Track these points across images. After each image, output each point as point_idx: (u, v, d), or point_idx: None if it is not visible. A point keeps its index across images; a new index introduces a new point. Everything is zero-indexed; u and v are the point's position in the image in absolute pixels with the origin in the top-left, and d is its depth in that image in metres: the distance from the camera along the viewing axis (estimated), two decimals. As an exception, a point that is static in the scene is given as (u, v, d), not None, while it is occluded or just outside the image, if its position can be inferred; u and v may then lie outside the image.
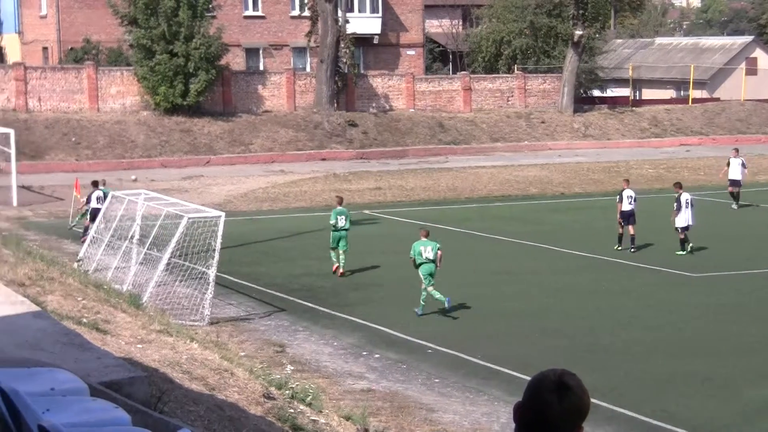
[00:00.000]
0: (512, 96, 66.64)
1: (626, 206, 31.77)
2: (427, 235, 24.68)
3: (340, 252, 28.27)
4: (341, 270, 28.29)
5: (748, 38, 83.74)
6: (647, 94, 78.10)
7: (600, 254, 31.12)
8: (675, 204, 31.38)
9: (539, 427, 4.05)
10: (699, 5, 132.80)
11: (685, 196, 31.22)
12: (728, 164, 40.87)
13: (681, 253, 30.94)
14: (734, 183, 40.35)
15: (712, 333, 22.53)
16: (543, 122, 64.57)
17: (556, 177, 49.12)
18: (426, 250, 24.10)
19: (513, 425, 4.13)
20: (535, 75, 68.59)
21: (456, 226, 36.31)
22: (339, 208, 28.85)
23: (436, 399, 18.26)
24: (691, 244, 31.17)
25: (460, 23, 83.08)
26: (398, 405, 17.76)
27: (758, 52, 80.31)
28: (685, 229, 31.09)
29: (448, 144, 60.53)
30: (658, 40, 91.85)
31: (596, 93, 75.04)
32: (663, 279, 27.99)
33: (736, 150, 42.51)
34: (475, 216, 38.76)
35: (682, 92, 76.56)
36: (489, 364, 20.11)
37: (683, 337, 22.14)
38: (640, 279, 28.05)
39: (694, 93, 73.44)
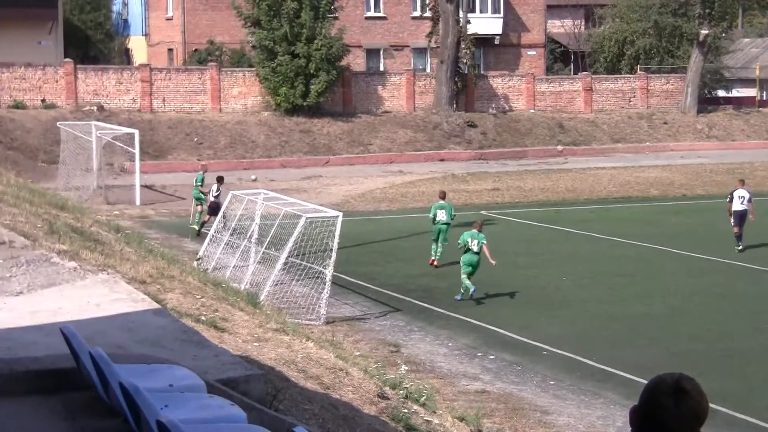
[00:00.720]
0: (634, 96, 65.86)
1: (737, 206, 31.48)
2: (480, 228, 25.81)
3: (439, 244, 29.19)
4: (436, 262, 29.13)
5: None
6: (775, 94, 76.40)
7: (723, 257, 30.61)
8: None
9: (655, 431, 4.05)
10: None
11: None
12: None
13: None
14: None
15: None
16: (665, 123, 63.68)
17: (678, 178, 48.42)
18: (473, 242, 25.26)
19: (629, 429, 4.13)
20: (658, 75, 67.70)
21: (574, 227, 36.05)
22: (441, 202, 29.83)
23: (551, 401, 18.14)
24: None
25: (583, 23, 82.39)
26: (512, 407, 17.70)
27: None
28: None
29: (567, 145, 60.06)
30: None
31: (721, 93, 73.70)
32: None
33: None
34: (594, 217, 38.43)
35: (810, 92, 74.71)
36: (605, 367, 19.92)
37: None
38: (766, 283, 27.53)
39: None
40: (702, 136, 63.47)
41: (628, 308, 24.87)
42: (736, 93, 75.07)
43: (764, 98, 73.81)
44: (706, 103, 67.88)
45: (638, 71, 68.12)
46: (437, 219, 29.31)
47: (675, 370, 4.11)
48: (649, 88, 66.43)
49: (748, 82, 75.25)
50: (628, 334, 22.58)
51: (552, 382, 19.20)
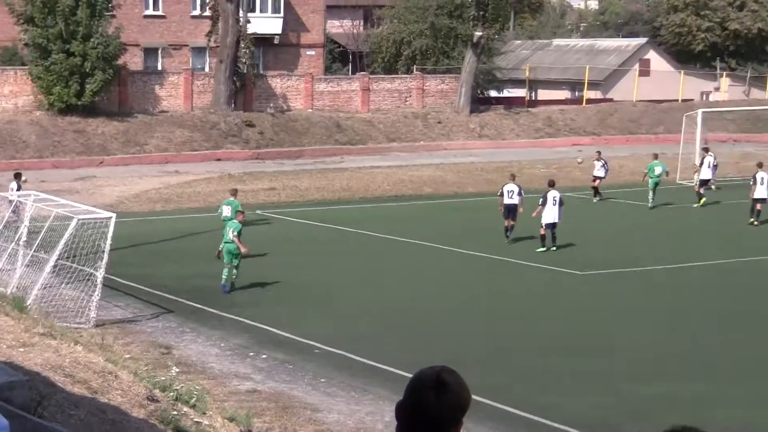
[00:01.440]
0: (410, 96, 67.06)
1: (507, 200, 32.81)
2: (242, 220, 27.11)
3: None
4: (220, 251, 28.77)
5: (642, 40, 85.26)
6: (543, 94, 79.10)
7: (491, 253, 31.54)
8: (541, 200, 32.07)
9: (419, 425, 4.12)
10: (596, 7, 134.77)
11: (552, 194, 31.86)
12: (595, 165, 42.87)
13: (541, 250, 31.52)
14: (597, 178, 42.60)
15: (608, 329, 22.97)
16: (439, 122, 65.07)
17: (450, 177, 49.59)
18: (229, 230, 26.48)
19: (396, 423, 4.19)
20: (433, 75, 69.07)
21: (349, 226, 36.53)
22: (230, 199, 30.71)
23: (321, 399, 18.42)
24: (553, 247, 31.72)
25: (361, 24, 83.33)
26: (283, 405, 17.89)
27: (651, 54, 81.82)
28: (551, 226, 31.68)
29: (344, 144, 60.73)
30: (556, 41, 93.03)
31: (493, 93, 75.75)
32: (554, 277, 28.46)
33: (599, 152, 44.49)
34: (369, 216, 39.00)
35: (576, 93, 77.71)
36: (375, 363, 20.29)
37: (583, 335, 22.54)
38: (533, 277, 28.52)
39: (589, 94, 74.61)
40: (474, 135, 65.15)
41: (399, 304, 25.35)
42: (507, 93, 77.31)
43: (533, 98, 76.38)
44: (479, 103, 69.65)
45: (414, 71, 69.39)
46: (223, 215, 30.08)
47: (444, 365, 4.19)
48: (424, 88, 67.69)
49: (518, 83, 77.63)
50: (398, 330, 23.03)
51: (323, 380, 19.47)
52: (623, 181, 47.73)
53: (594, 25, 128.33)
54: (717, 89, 79.89)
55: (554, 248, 31.69)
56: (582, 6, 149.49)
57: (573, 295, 26.54)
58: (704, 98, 77.30)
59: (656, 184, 40.77)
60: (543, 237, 31.92)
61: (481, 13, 66.53)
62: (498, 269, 29.69)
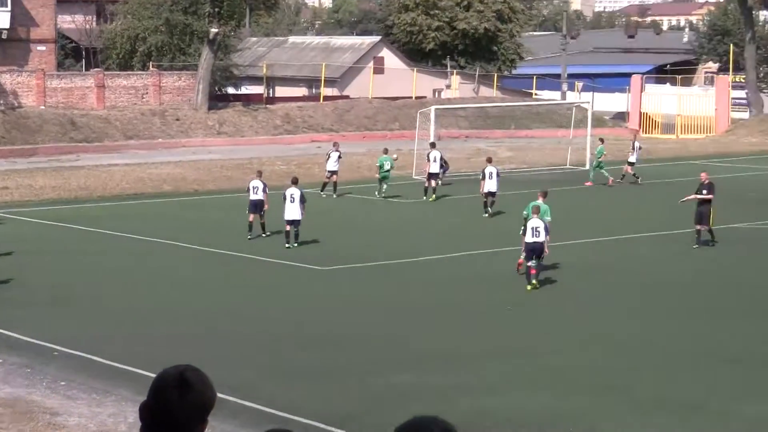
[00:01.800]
0: (147, 93, 66.07)
1: (252, 196, 33.27)
2: None
3: None
4: None
5: (376, 38, 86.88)
6: (281, 91, 79.47)
7: (234, 250, 31.52)
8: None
9: (163, 425, 4.08)
10: (330, 5, 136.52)
11: (290, 191, 31.97)
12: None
13: (289, 246, 31.67)
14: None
15: (351, 324, 23.30)
16: (178, 119, 64.43)
17: (190, 174, 49.20)
18: None
19: (141, 424, 4.14)
20: (170, 72, 68.26)
21: (88, 225, 35.76)
22: None
23: (62, 402, 17.97)
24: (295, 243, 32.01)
25: (94, 19, 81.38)
26: (20, 410, 17.35)
27: (385, 52, 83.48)
28: (293, 223, 31.86)
29: (80, 142, 59.26)
30: (291, 38, 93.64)
31: (231, 91, 75.55)
32: (298, 273, 28.68)
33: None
34: (108, 214, 38.26)
35: (314, 90, 78.50)
36: (117, 364, 19.95)
37: (326, 329, 22.76)
38: (276, 273, 28.65)
39: (325, 91, 75.48)
40: (213, 133, 64.85)
41: (142, 304, 25.08)
42: (245, 90, 77.27)
43: (271, 96, 76.64)
44: (217, 100, 69.33)
45: (151, 68, 68.41)
46: None
47: (188, 364, 4.16)
48: (161, 84, 66.82)
49: (256, 80, 77.72)
50: (142, 329, 22.77)
51: (63, 383, 19.00)
52: (360, 177, 48.56)
53: (328, 23, 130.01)
54: (448, 87, 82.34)
55: (296, 245, 31.89)
56: (316, 4, 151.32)
57: (314, 290, 26.82)
58: (436, 95, 79.52)
59: (385, 177, 42.15)
60: (287, 234, 32.04)
61: (217, 9, 66.26)
62: (242, 267, 29.69)
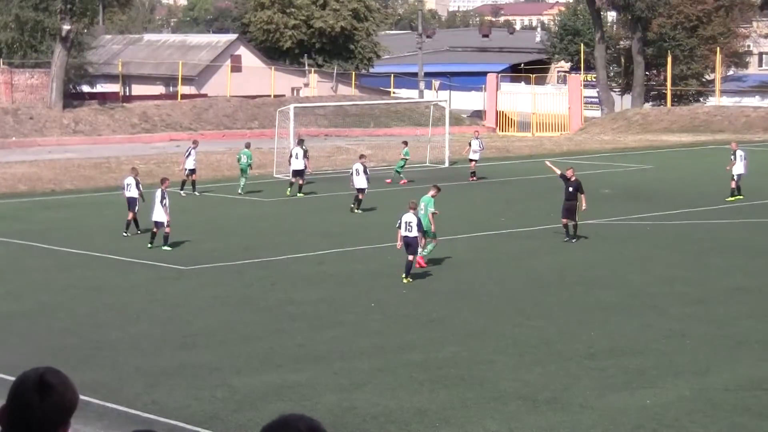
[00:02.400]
0: (-1, 91, 64.65)
1: (127, 193, 33.51)
2: None
3: None
4: None
5: (233, 36, 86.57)
6: (137, 89, 78.54)
7: (92, 250, 31.10)
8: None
9: (24, 428, 4.01)
10: (185, 3, 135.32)
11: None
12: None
13: (166, 248, 31.35)
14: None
15: (217, 323, 23.21)
16: (31, 118, 63.15)
17: (46, 174, 48.23)
18: None
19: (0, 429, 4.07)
20: (22, 70, 66.92)
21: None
22: None
23: None
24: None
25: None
26: None
27: (242, 50, 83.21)
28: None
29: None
30: (147, 36, 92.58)
31: (86, 89, 74.33)
32: (160, 273, 28.45)
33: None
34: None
35: (171, 88, 77.75)
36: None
37: (191, 330, 22.64)
38: (139, 274, 28.35)
39: (183, 89, 74.86)
40: (69, 131, 63.72)
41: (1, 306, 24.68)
42: (100, 88, 76.12)
43: (128, 94, 75.64)
44: (72, 98, 68.17)
45: (1, 65, 66.87)
46: None
47: (48, 366, 4.11)
48: (13, 82, 65.50)
49: (111, 78, 76.63)
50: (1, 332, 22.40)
51: None
52: (221, 175, 48.31)
53: (184, 20, 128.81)
54: (306, 85, 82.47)
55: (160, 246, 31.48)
56: (171, 2, 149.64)
57: (177, 289, 26.65)
58: (295, 94, 79.60)
59: (243, 171, 42.34)
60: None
61: (69, 6, 65.07)
62: (102, 267, 29.28)
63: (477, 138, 48.28)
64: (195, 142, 44.28)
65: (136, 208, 33.26)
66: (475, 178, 47.15)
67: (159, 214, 31.27)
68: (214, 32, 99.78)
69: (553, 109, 79.20)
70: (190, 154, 42.62)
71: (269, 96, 74.49)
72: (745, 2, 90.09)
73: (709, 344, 20.45)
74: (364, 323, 23.38)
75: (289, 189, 42.36)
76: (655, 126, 72.22)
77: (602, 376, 19.42)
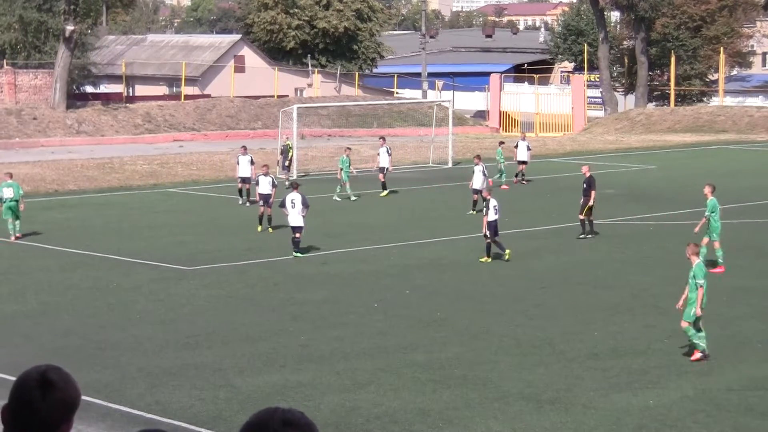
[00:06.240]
0: (2, 92, 64.65)
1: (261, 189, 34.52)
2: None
3: (15, 220, 32.44)
4: (19, 234, 32.49)
5: (236, 37, 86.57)
6: (141, 90, 78.58)
7: (96, 251, 31.10)
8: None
9: (27, 426, 4.03)
10: (189, 4, 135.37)
11: (291, 196, 30.71)
12: (238, 162, 41.02)
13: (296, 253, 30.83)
14: (244, 180, 40.43)
15: (220, 324, 23.18)
16: (35, 119, 63.19)
17: (50, 174, 48.24)
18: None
19: (2, 427, 4.09)
20: (26, 70, 66.97)
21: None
22: (8, 181, 32.69)
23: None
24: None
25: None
26: None
27: (246, 51, 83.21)
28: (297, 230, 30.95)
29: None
30: (150, 37, 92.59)
31: (90, 89, 74.37)
32: (163, 274, 28.43)
33: (244, 147, 42.39)
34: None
35: (174, 89, 77.78)
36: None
37: (194, 330, 22.62)
38: (142, 275, 28.32)
39: (186, 89, 74.87)
40: (72, 132, 63.76)
41: (4, 307, 24.67)
42: (104, 89, 76.17)
43: (131, 94, 75.67)
44: (76, 98, 68.20)
45: (5, 66, 66.93)
46: (5, 197, 32.13)
47: (50, 363, 4.13)
48: (17, 83, 65.53)
49: (115, 78, 76.68)
50: (1, 333, 22.40)
51: None
52: (224, 176, 48.25)
53: (187, 21, 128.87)
54: (310, 86, 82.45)
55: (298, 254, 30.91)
56: (174, 2, 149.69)
57: (179, 290, 26.62)
58: (298, 94, 79.59)
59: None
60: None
61: (72, 7, 65.13)
62: (105, 267, 29.29)
63: (524, 140, 47.40)
64: (244, 148, 42.05)
65: (270, 201, 33.74)
66: (518, 180, 45.89)
67: (296, 219, 30.36)
68: (217, 33, 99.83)
69: (556, 109, 79.18)
70: (239, 162, 40.93)
71: (272, 96, 74.48)
72: (748, 2, 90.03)
73: (712, 344, 20.41)
74: (367, 323, 23.37)
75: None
76: (658, 126, 72.19)
77: (605, 376, 19.42)
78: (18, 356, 20.05)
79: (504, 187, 43.54)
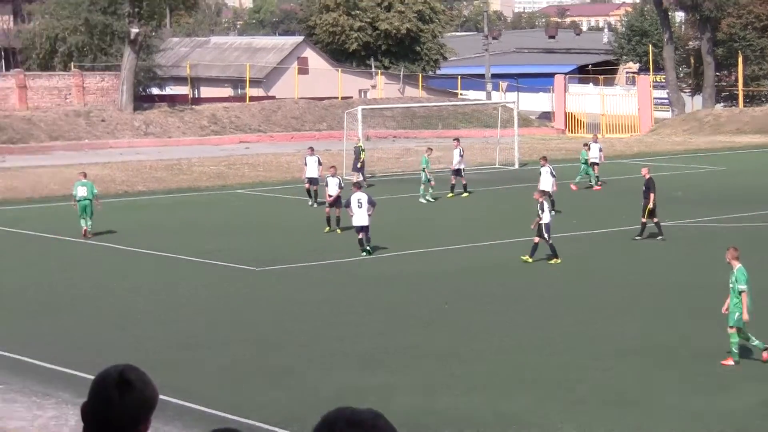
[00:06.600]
0: (70, 94, 65.34)
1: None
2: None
3: (88, 218, 32.94)
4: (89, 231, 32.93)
5: (299, 38, 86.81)
6: (205, 92, 79.03)
7: (172, 252, 31.24)
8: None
9: (105, 425, 4.07)
10: (251, 6, 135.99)
11: (357, 195, 30.61)
12: (306, 163, 40.76)
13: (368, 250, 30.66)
14: (312, 181, 40.10)
15: (283, 325, 23.19)
16: (103, 120, 63.81)
17: (119, 175, 48.69)
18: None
19: (83, 426, 4.13)
20: (93, 73, 67.62)
21: (12, 226, 35.38)
22: (82, 180, 33.33)
23: (0, 407, 17.75)
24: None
25: (11, 19, 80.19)
26: (-44, 416, 17.12)
27: (308, 52, 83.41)
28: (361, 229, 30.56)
29: (4, 143, 58.39)
30: (214, 39, 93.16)
31: (155, 91, 74.94)
32: (233, 273, 28.47)
33: (311, 149, 42.29)
34: (35, 216, 37.81)
35: (239, 90, 78.15)
36: (56, 367, 19.77)
37: (260, 331, 22.62)
38: (212, 274, 28.43)
39: (251, 91, 75.21)
40: (140, 134, 64.30)
41: (81, 306, 24.89)
42: (170, 91, 76.69)
43: (196, 96, 76.17)
44: (142, 100, 68.78)
45: (73, 69, 67.65)
46: (79, 195, 32.79)
47: (128, 363, 4.17)
48: (84, 85, 66.19)
49: (180, 80, 77.20)
50: (77, 331, 22.55)
51: (0, 387, 18.76)
52: (290, 177, 48.38)
53: (250, 23, 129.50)
54: (374, 87, 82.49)
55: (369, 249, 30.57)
56: (237, 4, 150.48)
57: (250, 291, 26.68)
58: (362, 96, 79.62)
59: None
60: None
61: (136, 9, 65.71)
62: (174, 267, 29.46)
63: (596, 142, 45.94)
64: (311, 149, 42.08)
65: (338, 202, 33.82)
66: (595, 185, 44.83)
67: (361, 219, 30.45)
68: (279, 35, 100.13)
69: (622, 110, 78.54)
70: (306, 162, 40.85)
71: (336, 98, 74.61)
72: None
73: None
74: (445, 326, 23.24)
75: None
76: (727, 127, 71.35)
77: (686, 378, 19.16)
78: (96, 355, 20.11)
79: (574, 188, 43.21)
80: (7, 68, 73.62)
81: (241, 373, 19.67)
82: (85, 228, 32.97)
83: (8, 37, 76.44)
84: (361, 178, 41.93)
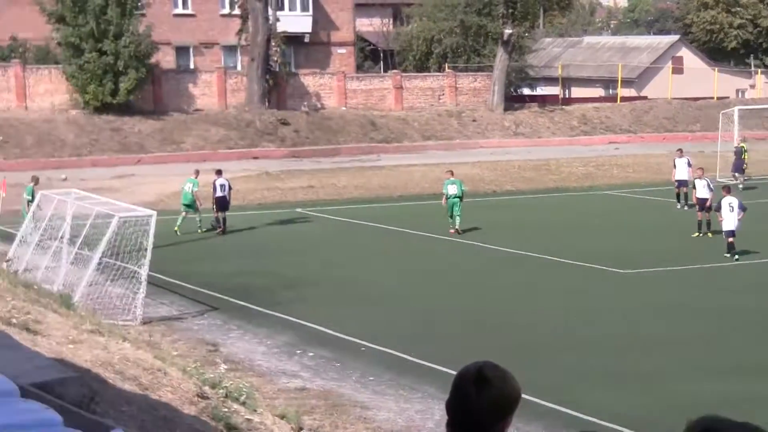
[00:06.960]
0: (443, 94, 66.87)
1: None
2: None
3: (456, 215, 33.62)
4: (458, 229, 33.67)
5: (674, 37, 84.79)
6: (576, 92, 78.74)
7: (531, 251, 31.28)
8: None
9: (463, 420, 4.09)
10: (626, 5, 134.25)
11: (728, 200, 30.13)
12: (675, 165, 40.00)
13: (727, 255, 29.94)
14: (681, 183, 39.40)
15: (649, 329, 22.71)
16: (474, 120, 64.87)
17: (488, 175, 49.30)
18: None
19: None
20: (465, 73, 68.88)
21: (387, 223, 36.42)
22: (451, 178, 34.28)
23: (371, 397, 18.29)
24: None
25: (391, 22, 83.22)
26: (332, 403, 17.78)
27: (684, 51, 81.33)
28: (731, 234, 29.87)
29: (380, 142, 60.58)
30: (587, 39, 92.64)
31: (526, 91, 75.45)
32: (594, 275, 28.17)
33: (680, 150, 41.45)
34: (407, 214, 38.82)
35: (610, 90, 77.31)
36: (423, 362, 20.17)
37: (623, 335, 22.26)
38: (575, 276, 28.24)
39: (622, 91, 74.16)
40: (509, 134, 64.90)
41: (443, 303, 25.26)
42: (540, 91, 76.98)
43: (567, 96, 76.01)
44: (513, 101, 69.39)
45: (446, 69, 69.21)
46: (450, 193, 33.67)
47: (487, 360, 4.16)
48: (457, 86, 67.50)
49: (551, 81, 77.34)
50: (443, 328, 22.93)
51: (371, 378, 19.35)
52: (660, 179, 47.24)
53: (624, 22, 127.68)
54: (752, 87, 79.28)
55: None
56: (611, 3, 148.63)
57: (614, 293, 26.24)
58: (740, 96, 76.71)
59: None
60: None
61: (510, 10, 66.34)
62: (540, 267, 29.41)
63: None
64: (680, 151, 40.93)
65: (707, 205, 33.23)
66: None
67: (731, 222, 29.77)
68: (654, 34, 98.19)
69: None
70: (675, 165, 39.87)
71: (711, 98, 72.26)
72: None
73: None
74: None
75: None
76: None
77: None
78: (458, 353, 20.35)
79: None
80: (385, 69, 76.35)
81: (603, 376, 19.33)
82: (452, 228, 33.64)
83: (387, 39, 79.37)
84: (743, 179, 40.36)
